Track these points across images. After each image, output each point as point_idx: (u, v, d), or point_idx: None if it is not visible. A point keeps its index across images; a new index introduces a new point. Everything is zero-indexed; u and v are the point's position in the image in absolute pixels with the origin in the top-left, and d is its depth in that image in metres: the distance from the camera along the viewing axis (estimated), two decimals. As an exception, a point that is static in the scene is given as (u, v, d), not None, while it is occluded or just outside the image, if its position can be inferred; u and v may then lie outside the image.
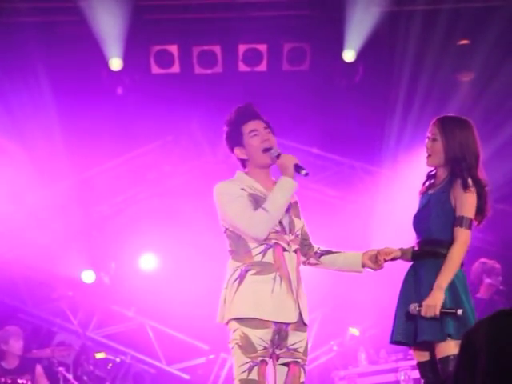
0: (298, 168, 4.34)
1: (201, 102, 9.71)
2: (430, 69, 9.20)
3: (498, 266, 7.99)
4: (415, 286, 4.49)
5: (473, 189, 4.43)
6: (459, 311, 4.26)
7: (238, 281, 4.26)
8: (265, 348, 4.24)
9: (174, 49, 9.31)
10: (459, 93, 9.40)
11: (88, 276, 9.87)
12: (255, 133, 4.42)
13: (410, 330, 4.44)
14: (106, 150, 9.48)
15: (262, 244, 4.30)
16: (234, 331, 4.23)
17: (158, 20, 9.31)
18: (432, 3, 9.01)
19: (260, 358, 4.23)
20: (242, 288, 4.25)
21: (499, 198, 9.74)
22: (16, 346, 8.39)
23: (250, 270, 4.26)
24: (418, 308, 4.33)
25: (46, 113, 9.05)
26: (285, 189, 4.32)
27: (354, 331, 9.22)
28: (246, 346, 4.20)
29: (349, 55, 9.19)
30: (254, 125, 4.45)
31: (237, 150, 4.46)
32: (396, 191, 9.36)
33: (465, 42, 9.25)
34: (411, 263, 4.62)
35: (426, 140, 4.60)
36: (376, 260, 4.55)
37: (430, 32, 8.99)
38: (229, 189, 4.37)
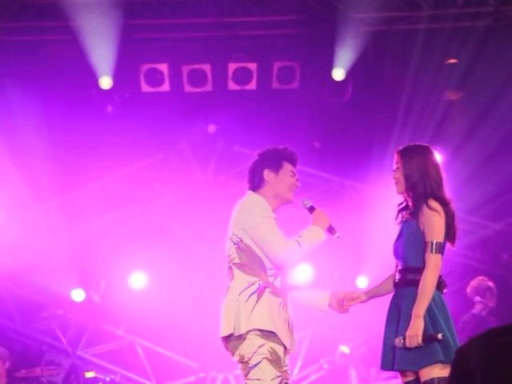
0: (331, 229, 4.65)
1: (191, 120, 9.73)
2: (419, 87, 9.25)
3: (491, 283, 8.12)
4: (396, 315, 4.61)
5: (439, 208, 4.53)
6: (439, 335, 4.38)
7: (256, 295, 4.36)
8: (285, 370, 4.40)
9: (163, 67, 9.34)
10: (447, 111, 9.45)
11: (78, 294, 9.83)
12: (293, 174, 4.71)
13: (391, 358, 4.57)
14: (95, 169, 9.47)
15: (273, 268, 4.47)
16: (260, 346, 4.30)
17: (147, 39, 9.35)
18: (421, 23, 9.07)
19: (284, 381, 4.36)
20: (261, 302, 4.35)
21: (491, 218, 9.80)
22: (3, 367, 8.36)
23: (267, 287, 4.41)
24: (402, 341, 4.43)
25: (36, 130, 9.03)
26: (317, 238, 4.55)
27: (345, 349, 9.19)
28: (276, 360, 4.31)
29: (338, 74, 9.22)
30: (294, 170, 4.74)
31: (267, 172, 4.63)
32: (386, 209, 9.37)
33: (453, 61, 9.31)
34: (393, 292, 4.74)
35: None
36: (342, 304, 4.78)
37: (418, 51, 9.04)
38: (264, 204, 4.54)
